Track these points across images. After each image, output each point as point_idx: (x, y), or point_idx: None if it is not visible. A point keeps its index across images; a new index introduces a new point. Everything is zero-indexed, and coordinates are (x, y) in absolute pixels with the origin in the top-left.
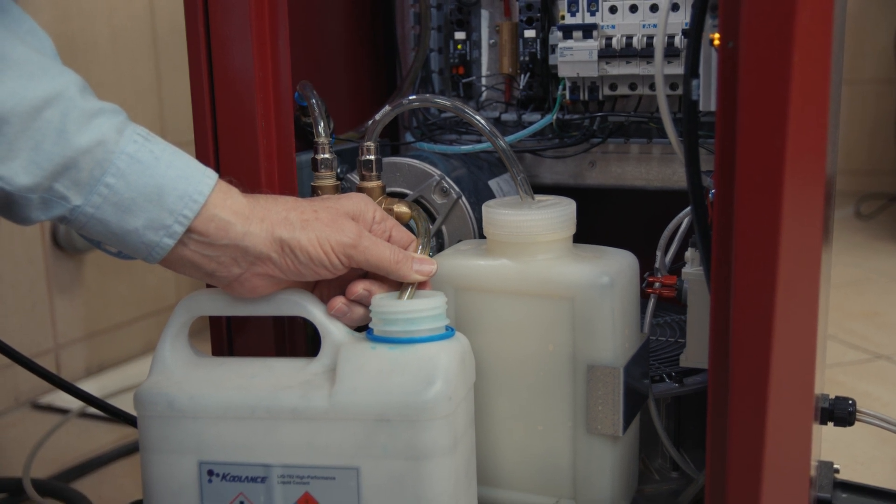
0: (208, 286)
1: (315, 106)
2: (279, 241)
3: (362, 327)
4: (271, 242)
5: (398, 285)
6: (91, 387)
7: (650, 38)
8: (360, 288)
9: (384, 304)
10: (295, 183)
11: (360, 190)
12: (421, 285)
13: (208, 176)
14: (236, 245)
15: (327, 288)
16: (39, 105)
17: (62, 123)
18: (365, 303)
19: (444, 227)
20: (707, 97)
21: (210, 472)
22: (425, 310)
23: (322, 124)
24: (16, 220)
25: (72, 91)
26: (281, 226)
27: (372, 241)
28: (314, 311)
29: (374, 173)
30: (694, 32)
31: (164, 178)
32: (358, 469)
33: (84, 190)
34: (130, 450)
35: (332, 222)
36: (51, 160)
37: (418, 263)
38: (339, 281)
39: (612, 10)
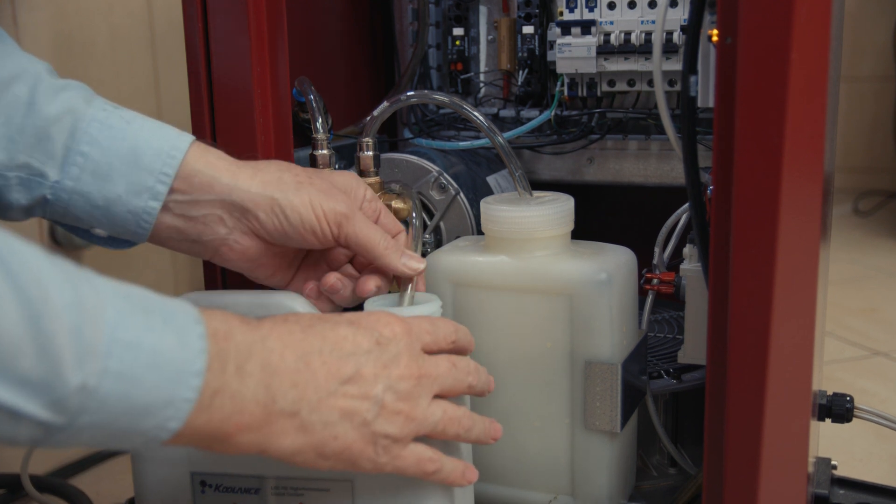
0: (207, 286)
1: (313, 102)
2: (270, 199)
3: None
4: (262, 199)
5: (390, 278)
6: None
7: (648, 34)
8: (332, 279)
9: (378, 309)
10: None
11: None
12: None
13: (185, 135)
14: (223, 200)
15: (305, 274)
16: (7, 80)
17: (31, 96)
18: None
19: (442, 224)
20: (705, 93)
21: (203, 483)
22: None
23: (320, 120)
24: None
25: (39, 68)
26: (273, 185)
27: (364, 220)
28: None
29: (372, 169)
30: (692, 29)
31: (137, 139)
32: (353, 480)
33: (59, 161)
34: None
35: (326, 190)
36: (22, 132)
37: (407, 258)
38: (318, 273)
39: (611, 6)
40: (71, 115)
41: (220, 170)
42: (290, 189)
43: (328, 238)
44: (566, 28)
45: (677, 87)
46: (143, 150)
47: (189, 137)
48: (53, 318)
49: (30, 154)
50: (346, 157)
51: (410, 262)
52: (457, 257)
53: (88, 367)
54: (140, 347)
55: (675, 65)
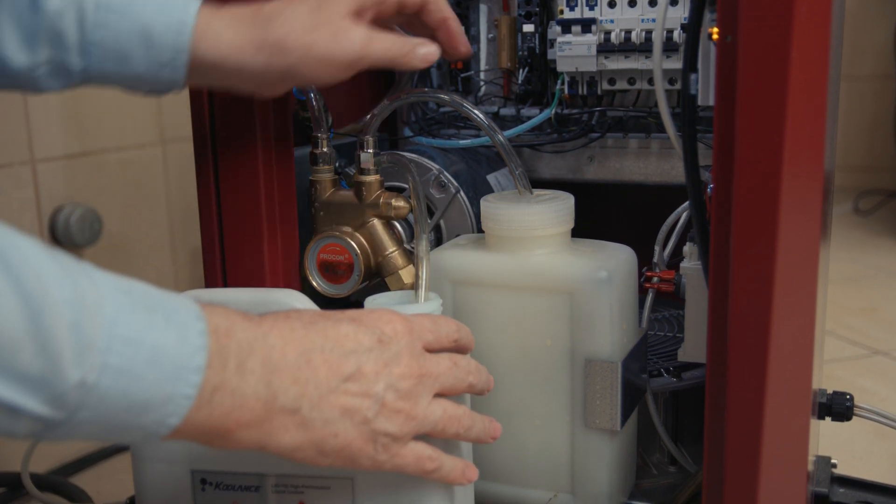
0: (207, 283)
1: (313, 100)
2: (280, 73)
3: None
4: (272, 75)
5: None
6: None
7: (649, 32)
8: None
9: (380, 306)
10: (293, 177)
11: (358, 184)
12: None
13: (189, 3)
14: (237, 77)
15: None
16: None
17: None
18: None
19: (442, 222)
20: (705, 92)
21: (203, 481)
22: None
23: (321, 118)
24: (38, 93)
25: None
26: (279, 55)
27: (377, 45)
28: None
29: (372, 168)
30: (692, 27)
31: (143, 18)
32: (353, 478)
33: (78, 51)
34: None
35: (332, 37)
36: (35, 32)
37: (422, 47)
38: None
39: (611, 4)
40: (73, 4)
41: (224, 53)
42: (294, 56)
43: (353, 74)
44: (566, 26)
45: (678, 86)
46: (151, 27)
47: (193, 7)
48: (53, 313)
49: (50, 51)
50: (347, 156)
51: (427, 50)
52: (457, 255)
53: (88, 363)
54: (140, 343)
55: (676, 63)
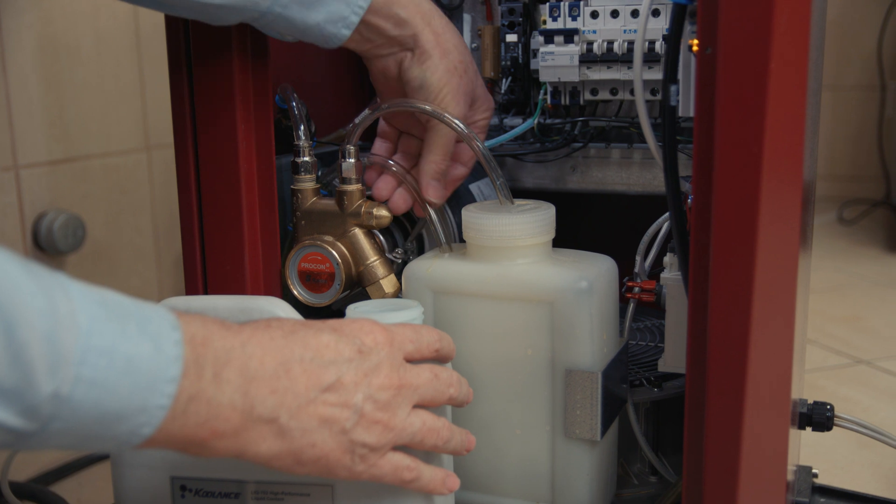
0: (188, 291)
1: (295, 109)
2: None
3: None
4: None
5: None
6: None
7: (631, 43)
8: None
9: (361, 315)
10: (274, 186)
11: (340, 193)
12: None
13: None
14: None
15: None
16: None
17: None
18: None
19: (424, 231)
20: (686, 103)
21: (183, 488)
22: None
23: (302, 127)
24: (213, 22)
25: None
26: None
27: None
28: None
29: (354, 177)
30: (672, 38)
31: None
32: (333, 485)
33: None
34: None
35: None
36: None
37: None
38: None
39: (594, 15)
40: None
41: (402, 28)
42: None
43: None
44: (549, 36)
45: (659, 96)
46: None
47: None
48: (27, 326)
49: None
50: (330, 164)
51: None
52: (438, 265)
53: (61, 375)
54: (114, 354)
55: (657, 74)
